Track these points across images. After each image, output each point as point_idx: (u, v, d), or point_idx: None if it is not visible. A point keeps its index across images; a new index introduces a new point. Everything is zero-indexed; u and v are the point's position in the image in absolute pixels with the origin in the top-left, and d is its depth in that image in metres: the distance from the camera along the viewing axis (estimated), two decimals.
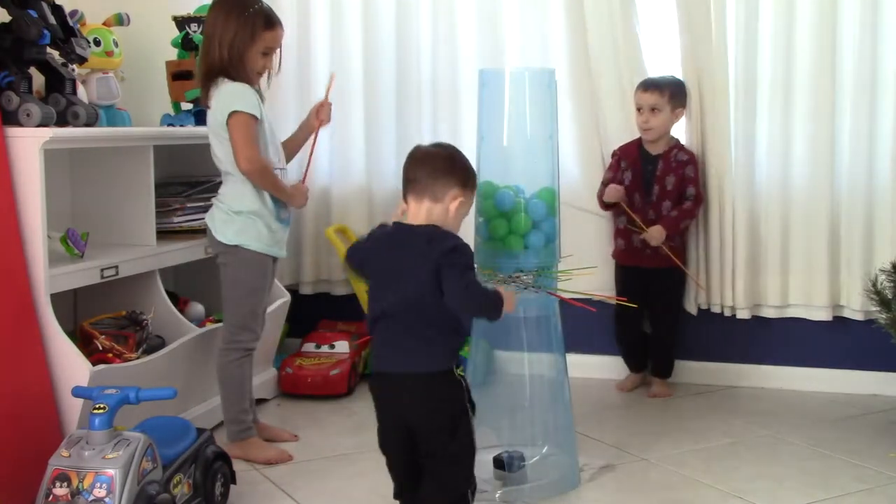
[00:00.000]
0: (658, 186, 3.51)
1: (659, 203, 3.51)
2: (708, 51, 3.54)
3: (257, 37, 2.85)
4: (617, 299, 3.48)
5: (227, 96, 2.83)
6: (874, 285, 3.15)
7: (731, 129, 3.57)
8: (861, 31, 3.43)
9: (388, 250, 2.23)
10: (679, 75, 3.61)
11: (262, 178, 2.87)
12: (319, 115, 3.15)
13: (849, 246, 3.53)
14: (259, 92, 2.92)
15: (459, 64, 3.81)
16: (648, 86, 3.50)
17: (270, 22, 2.89)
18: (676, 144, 3.56)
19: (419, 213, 2.24)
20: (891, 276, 3.11)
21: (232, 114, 2.81)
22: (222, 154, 2.89)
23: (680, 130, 3.65)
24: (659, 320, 3.63)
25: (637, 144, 3.58)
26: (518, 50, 3.77)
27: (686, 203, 3.51)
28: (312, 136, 3.15)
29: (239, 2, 2.86)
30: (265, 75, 2.96)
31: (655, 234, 3.46)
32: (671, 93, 3.49)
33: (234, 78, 2.85)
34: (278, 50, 2.96)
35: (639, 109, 3.51)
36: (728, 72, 3.54)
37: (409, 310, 2.17)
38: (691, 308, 3.71)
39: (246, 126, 2.82)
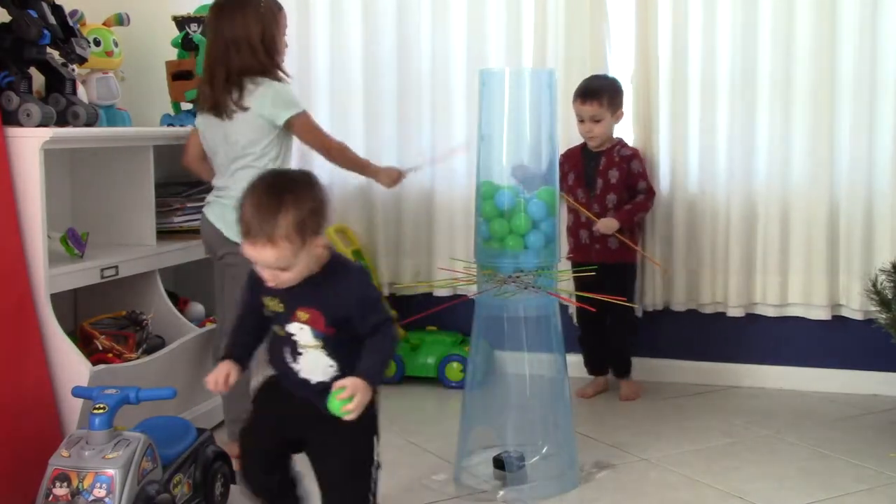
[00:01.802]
0: (601, 180, 3.48)
1: (603, 196, 3.48)
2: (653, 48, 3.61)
3: (278, 20, 2.92)
4: (615, 299, 3.47)
5: (282, 97, 2.86)
6: (874, 285, 3.15)
7: (726, 127, 3.60)
8: (861, 31, 3.44)
9: None
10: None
11: (345, 156, 2.99)
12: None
13: (848, 245, 3.53)
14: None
15: (460, 64, 3.81)
16: (586, 97, 3.44)
17: (278, 3, 2.97)
18: (619, 142, 3.54)
19: None
20: (891, 276, 3.11)
21: (294, 116, 2.85)
22: (251, 148, 2.87)
23: (661, 133, 3.66)
24: (614, 317, 3.50)
25: (581, 146, 3.56)
26: (519, 50, 3.77)
27: (639, 196, 3.49)
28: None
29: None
30: None
31: (608, 223, 3.42)
32: (609, 98, 3.45)
33: (274, 76, 2.87)
34: None
35: (581, 120, 3.47)
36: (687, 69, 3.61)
37: None
38: (657, 305, 3.73)
39: (313, 120, 2.93)
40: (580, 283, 3.33)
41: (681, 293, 3.72)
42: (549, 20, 3.70)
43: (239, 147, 2.89)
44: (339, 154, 2.98)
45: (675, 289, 3.71)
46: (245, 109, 2.84)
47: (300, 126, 2.89)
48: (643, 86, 3.66)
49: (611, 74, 3.60)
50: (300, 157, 3.90)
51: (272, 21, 2.89)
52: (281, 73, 2.91)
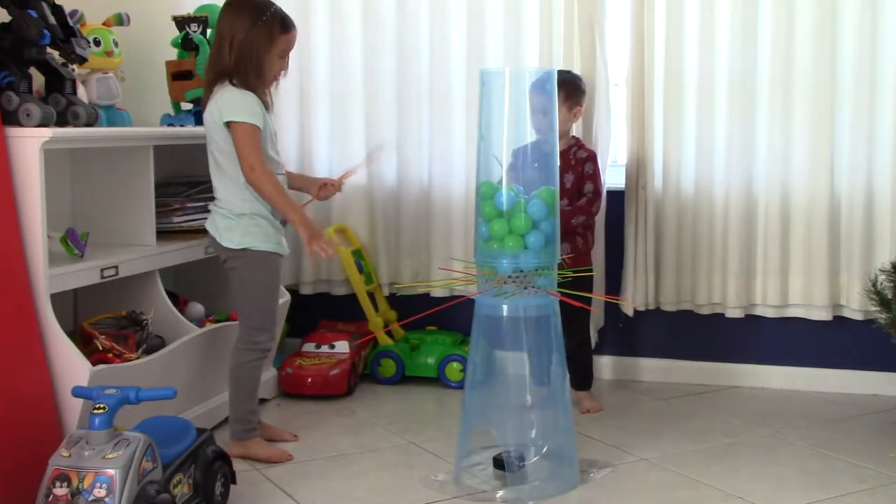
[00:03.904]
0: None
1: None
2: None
3: (275, 41, 2.87)
4: (615, 299, 3.47)
5: (229, 103, 2.84)
6: (874, 285, 3.15)
7: (725, 127, 3.60)
8: (861, 31, 3.44)
9: None
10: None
11: (264, 187, 2.85)
12: (322, 192, 3.13)
13: (848, 246, 3.53)
14: (266, 98, 2.93)
15: (460, 64, 3.81)
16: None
17: (286, 25, 2.91)
18: (577, 143, 3.44)
19: None
20: (891, 276, 3.11)
21: (233, 123, 2.82)
22: (222, 156, 2.89)
23: (657, 133, 3.64)
24: (570, 326, 3.26)
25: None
26: (519, 51, 3.77)
27: (581, 199, 3.37)
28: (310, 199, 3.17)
29: (255, 6, 2.87)
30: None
31: None
32: (566, 92, 3.28)
33: (238, 83, 2.86)
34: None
35: (535, 112, 3.23)
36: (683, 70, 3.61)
37: None
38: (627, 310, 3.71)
39: (250, 136, 2.83)
40: None
41: (680, 293, 3.71)
42: (552, 20, 3.69)
43: (214, 150, 2.91)
44: (264, 178, 2.83)
45: (675, 289, 3.71)
46: (210, 111, 2.87)
47: (236, 133, 2.83)
48: (638, 85, 3.66)
49: (575, 72, 3.53)
50: (298, 160, 3.94)
51: (263, 36, 2.85)
52: (249, 84, 2.87)
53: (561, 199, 3.31)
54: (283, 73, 2.97)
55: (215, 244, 2.96)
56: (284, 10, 2.95)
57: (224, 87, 2.87)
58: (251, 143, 2.83)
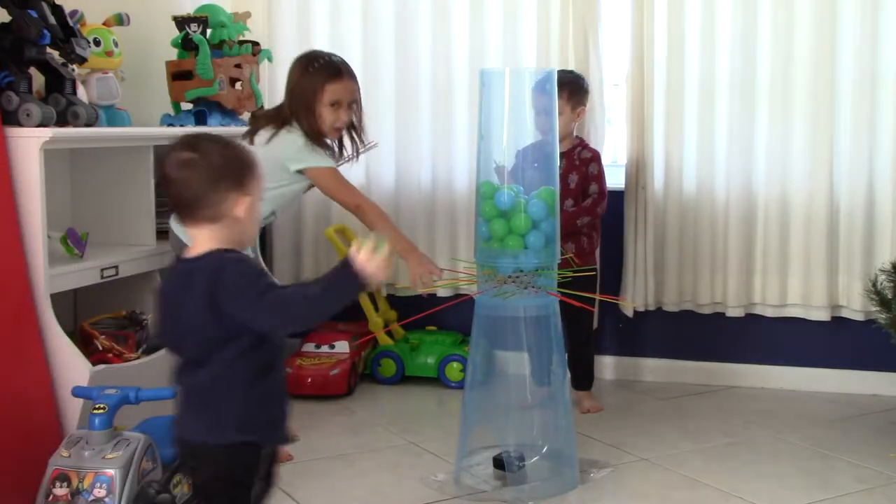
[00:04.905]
0: (561, 184, 3.26)
1: (561, 201, 3.24)
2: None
3: (322, 88, 2.87)
4: (615, 299, 3.46)
5: (292, 150, 2.85)
6: (874, 285, 3.15)
7: (725, 127, 3.60)
8: (861, 31, 3.44)
9: (166, 297, 1.85)
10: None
11: (377, 223, 2.88)
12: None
13: (848, 246, 3.53)
14: (333, 146, 2.96)
15: (460, 64, 3.81)
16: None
17: (333, 72, 2.90)
18: (580, 143, 3.44)
19: (199, 240, 1.80)
20: (891, 276, 3.11)
21: (310, 170, 2.86)
22: None
23: (658, 133, 3.65)
24: (572, 326, 3.25)
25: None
26: (519, 51, 3.77)
27: (586, 200, 3.37)
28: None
29: (309, 55, 2.95)
30: (352, 131, 2.99)
31: None
32: (569, 92, 3.28)
33: (295, 128, 2.88)
34: (354, 104, 2.94)
35: (538, 113, 3.21)
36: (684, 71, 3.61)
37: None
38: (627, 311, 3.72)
39: (335, 177, 2.89)
40: None
41: (680, 293, 3.71)
42: (551, 20, 3.69)
43: None
44: (373, 215, 2.91)
45: (675, 289, 3.71)
46: (274, 146, 2.87)
47: (319, 181, 2.90)
48: (638, 85, 3.66)
49: (577, 71, 3.53)
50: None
51: (311, 83, 2.87)
52: (304, 130, 2.88)
53: (565, 199, 3.35)
54: (341, 123, 2.93)
55: (178, 244, 2.88)
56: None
57: (292, 128, 2.87)
58: (341, 183, 2.90)
